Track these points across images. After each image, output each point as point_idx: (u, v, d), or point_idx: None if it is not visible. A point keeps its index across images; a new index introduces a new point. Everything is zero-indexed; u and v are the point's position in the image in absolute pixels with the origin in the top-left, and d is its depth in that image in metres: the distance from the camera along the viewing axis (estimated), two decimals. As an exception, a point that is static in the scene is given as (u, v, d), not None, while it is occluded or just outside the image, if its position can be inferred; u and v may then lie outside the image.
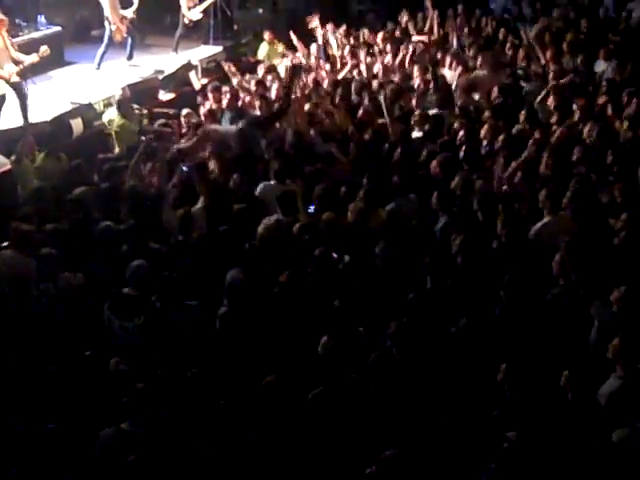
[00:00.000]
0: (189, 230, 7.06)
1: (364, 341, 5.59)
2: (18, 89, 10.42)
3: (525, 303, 5.77)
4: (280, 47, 13.46)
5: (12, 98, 10.57)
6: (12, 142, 9.54)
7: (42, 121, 10.35)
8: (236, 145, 9.13)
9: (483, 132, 8.88)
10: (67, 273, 6.44)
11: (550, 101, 9.61)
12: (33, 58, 10.54)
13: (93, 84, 12.35)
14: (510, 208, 7.04)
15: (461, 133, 8.80)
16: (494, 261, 6.37)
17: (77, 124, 10.63)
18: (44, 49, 10.64)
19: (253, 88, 10.88)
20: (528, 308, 5.74)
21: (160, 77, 12.64)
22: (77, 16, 15.06)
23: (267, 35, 13.78)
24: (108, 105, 11.41)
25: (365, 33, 13.57)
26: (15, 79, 10.31)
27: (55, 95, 11.72)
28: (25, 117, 10.51)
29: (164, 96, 12.32)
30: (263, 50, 13.71)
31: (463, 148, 8.49)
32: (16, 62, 10.36)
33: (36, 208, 7.49)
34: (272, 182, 7.99)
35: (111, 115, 10.39)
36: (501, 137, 8.48)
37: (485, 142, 8.77)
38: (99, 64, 12.96)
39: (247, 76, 11.66)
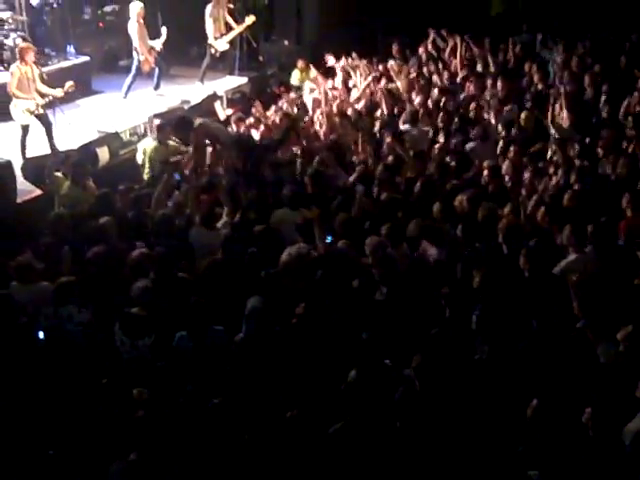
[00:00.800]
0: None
1: (391, 375, 5.56)
2: (42, 119, 10.57)
3: (548, 339, 5.72)
4: (313, 73, 13.56)
5: (37, 127, 10.72)
6: (39, 169, 9.66)
7: (69, 149, 10.46)
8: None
9: (505, 167, 8.90)
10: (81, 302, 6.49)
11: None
12: (58, 92, 10.71)
13: (120, 113, 12.52)
14: (534, 242, 6.99)
15: (486, 169, 8.82)
16: (516, 296, 6.33)
17: (103, 152, 10.76)
18: (69, 84, 10.82)
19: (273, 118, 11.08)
20: (551, 343, 5.69)
21: (186, 107, 12.76)
22: (105, 46, 15.34)
23: (300, 63, 14.25)
24: (134, 134, 11.52)
25: (392, 64, 13.67)
26: (39, 111, 10.48)
27: (82, 123, 11.87)
28: (52, 145, 10.64)
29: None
30: (295, 77, 14.18)
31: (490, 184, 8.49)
32: (41, 94, 10.53)
33: (54, 235, 7.56)
34: (286, 209, 8.00)
35: (147, 143, 10.49)
36: (526, 172, 8.48)
37: (508, 177, 8.80)
38: (126, 93, 13.14)
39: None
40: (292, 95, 12.90)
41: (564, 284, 6.39)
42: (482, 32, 14.36)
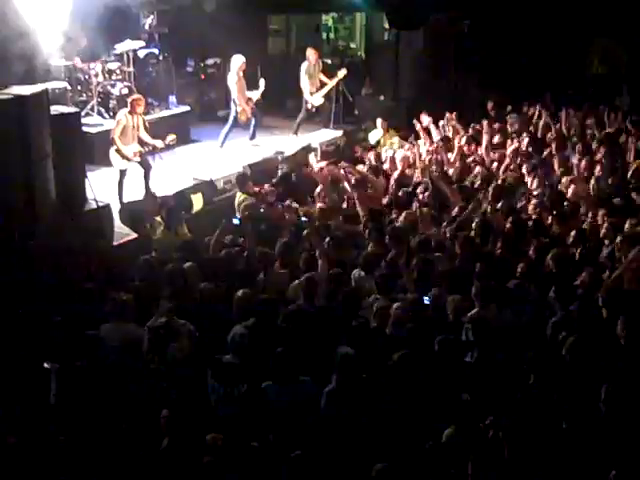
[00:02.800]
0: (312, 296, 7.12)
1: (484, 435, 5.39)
2: (143, 162, 10.94)
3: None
4: (394, 138, 13.53)
5: (134, 173, 11.06)
6: (135, 213, 9.92)
7: (165, 195, 10.71)
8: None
9: (603, 231, 8.67)
10: (176, 343, 6.52)
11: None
12: (159, 143, 11.08)
13: (216, 162, 12.79)
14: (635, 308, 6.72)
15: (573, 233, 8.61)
16: (610, 365, 6.06)
17: (197, 199, 10.96)
18: (172, 138, 11.19)
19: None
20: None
21: (280, 158, 12.94)
22: (205, 97, 15.79)
23: (380, 123, 13.93)
24: (228, 182, 11.72)
25: (484, 124, 13.56)
26: (136, 159, 10.83)
27: (179, 170, 12.18)
28: (147, 188, 10.95)
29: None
30: (374, 137, 13.87)
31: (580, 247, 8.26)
32: (143, 143, 10.88)
33: (142, 279, 7.69)
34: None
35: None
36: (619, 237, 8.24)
37: (607, 241, 8.55)
38: (223, 143, 13.45)
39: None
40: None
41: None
42: (581, 93, 14.16)
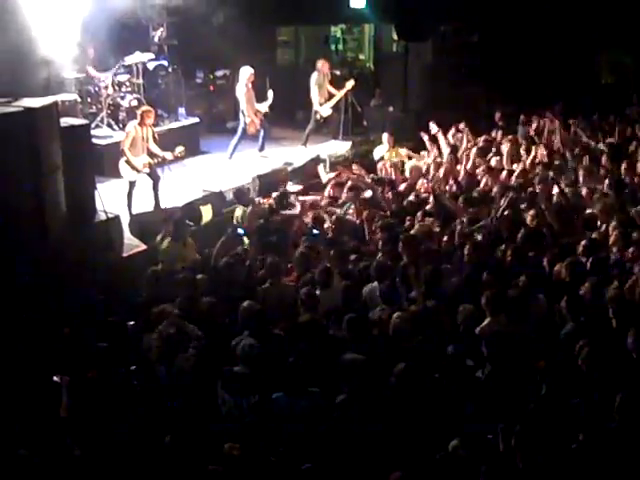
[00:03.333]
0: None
1: (491, 447, 5.35)
2: (151, 174, 10.98)
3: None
4: (402, 152, 13.37)
5: (144, 184, 11.10)
6: (144, 225, 9.94)
7: (174, 206, 10.73)
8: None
9: (613, 239, 8.62)
10: (185, 354, 6.54)
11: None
12: (168, 155, 11.13)
13: (225, 173, 12.81)
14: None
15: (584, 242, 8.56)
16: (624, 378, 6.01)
17: (207, 211, 10.97)
18: (180, 150, 11.24)
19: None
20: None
21: (289, 169, 12.95)
22: (214, 109, 15.84)
23: (387, 138, 13.60)
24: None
25: (497, 134, 13.57)
26: (145, 170, 10.87)
27: (188, 182, 12.20)
28: (156, 199, 10.96)
29: (292, 188, 12.57)
30: (379, 152, 13.58)
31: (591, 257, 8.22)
32: (152, 154, 10.91)
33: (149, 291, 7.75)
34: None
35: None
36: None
37: (615, 249, 8.50)
38: (231, 154, 13.48)
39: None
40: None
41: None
42: (591, 103, 14.14)
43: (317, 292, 7.44)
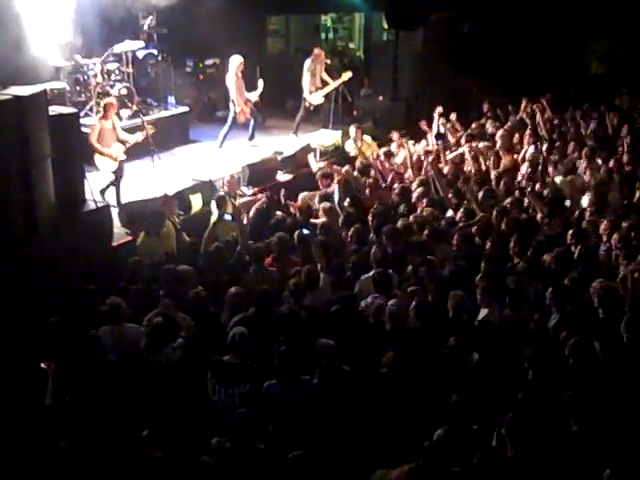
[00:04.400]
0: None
1: (478, 438, 5.39)
2: (118, 169, 10.82)
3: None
4: (369, 143, 13.34)
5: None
6: (132, 215, 9.92)
7: (154, 197, 10.61)
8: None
9: (602, 228, 8.66)
10: (172, 343, 6.54)
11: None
12: (137, 137, 11.06)
13: (214, 162, 12.79)
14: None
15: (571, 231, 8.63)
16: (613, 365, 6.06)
17: (196, 199, 10.96)
18: (149, 127, 11.12)
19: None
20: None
21: (279, 158, 12.94)
22: (204, 97, 15.80)
23: (354, 131, 13.25)
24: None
25: (488, 124, 13.59)
26: (122, 157, 10.78)
27: (178, 171, 12.18)
28: (118, 198, 10.80)
29: (282, 177, 12.57)
30: (350, 146, 13.35)
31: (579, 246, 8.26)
32: (122, 142, 10.86)
33: (133, 282, 7.76)
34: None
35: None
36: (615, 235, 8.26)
37: (605, 238, 8.55)
38: (221, 143, 13.44)
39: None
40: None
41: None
42: (581, 93, 14.18)
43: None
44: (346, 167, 11.45)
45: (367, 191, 10.48)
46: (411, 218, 9.15)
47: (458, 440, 5.18)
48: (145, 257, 8.43)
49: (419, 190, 10.17)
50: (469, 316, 6.91)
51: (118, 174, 10.81)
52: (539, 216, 9.35)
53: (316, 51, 14.39)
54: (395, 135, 13.10)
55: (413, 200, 10.04)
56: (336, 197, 10.23)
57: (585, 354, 6.05)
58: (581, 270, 7.60)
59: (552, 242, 8.41)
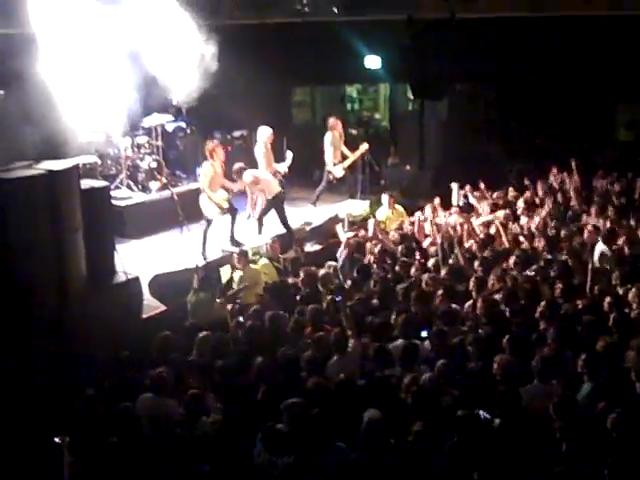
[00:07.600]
0: None
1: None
2: (230, 209, 11.54)
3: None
4: (400, 211, 13.33)
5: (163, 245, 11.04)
6: (166, 286, 9.96)
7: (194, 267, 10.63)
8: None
9: (631, 296, 8.53)
10: (208, 417, 6.47)
11: None
12: (241, 186, 12.09)
13: (244, 232, 12.76)
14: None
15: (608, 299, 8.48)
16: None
17: (225, 271, 10.93)
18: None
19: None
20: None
21: (308, 229, 12.93)
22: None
23: (387, 199, 13.29)
24: (256, 253, 11.68)
25: (510, 192, 13.54)
26: (226, 205, 11.43)
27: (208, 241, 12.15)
28: (232, 233, 11.67)
29: (311, 247, 12.54)
30: (382, 213, 13.30)
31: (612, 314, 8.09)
32: (226, 189, 11.57)
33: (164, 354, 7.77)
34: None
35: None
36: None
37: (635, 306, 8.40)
38: (250, 215, 13.43)
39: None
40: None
41: None
42: (609, 161, 14.12)
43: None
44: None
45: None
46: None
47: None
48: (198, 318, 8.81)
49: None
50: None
51: (232, 214, 11.55)
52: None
53: (331, 121, 14.42)
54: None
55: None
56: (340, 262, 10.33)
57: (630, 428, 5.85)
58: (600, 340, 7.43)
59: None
